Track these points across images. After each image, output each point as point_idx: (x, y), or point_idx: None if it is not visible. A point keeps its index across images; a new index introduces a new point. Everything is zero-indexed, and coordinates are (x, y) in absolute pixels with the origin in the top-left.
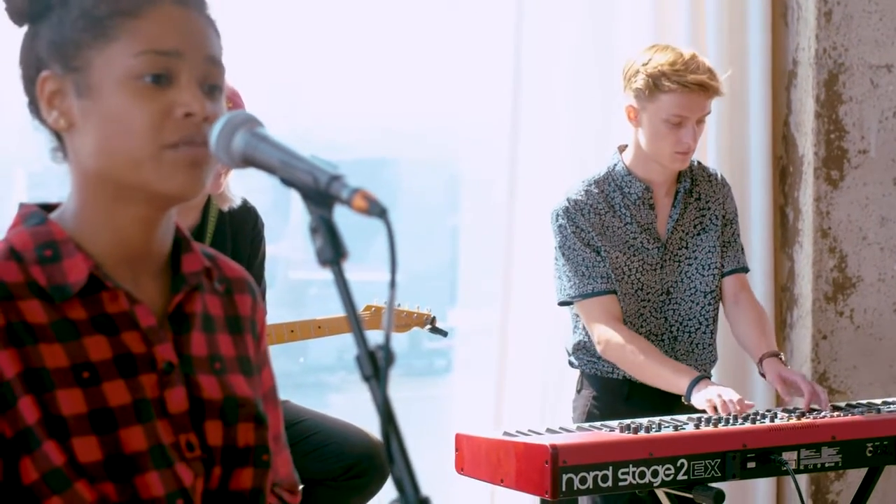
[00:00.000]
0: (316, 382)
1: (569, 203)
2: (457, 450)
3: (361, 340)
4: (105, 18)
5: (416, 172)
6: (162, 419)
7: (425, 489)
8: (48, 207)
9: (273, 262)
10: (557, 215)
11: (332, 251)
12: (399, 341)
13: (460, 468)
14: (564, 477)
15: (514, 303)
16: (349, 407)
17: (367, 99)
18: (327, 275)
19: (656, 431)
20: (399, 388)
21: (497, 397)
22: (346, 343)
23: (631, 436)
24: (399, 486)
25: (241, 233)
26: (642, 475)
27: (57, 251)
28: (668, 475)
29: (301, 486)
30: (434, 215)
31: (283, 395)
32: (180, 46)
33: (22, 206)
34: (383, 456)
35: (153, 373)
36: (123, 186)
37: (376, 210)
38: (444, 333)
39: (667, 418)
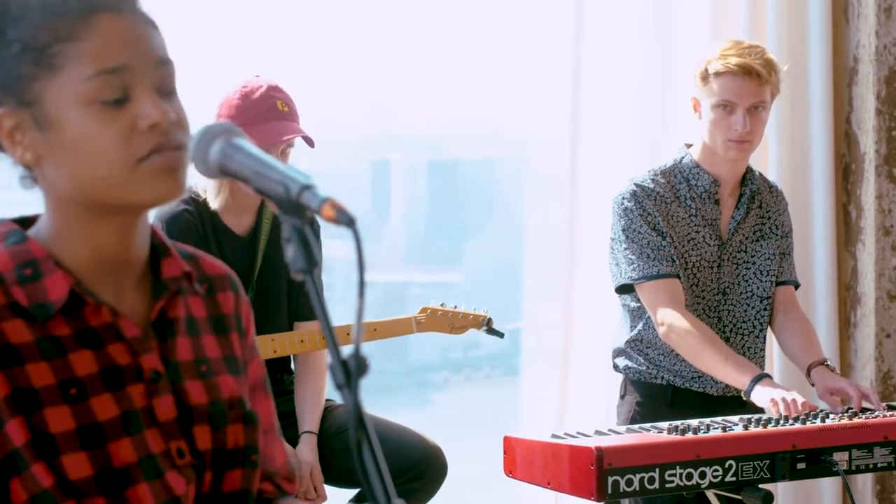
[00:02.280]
0: (419, 382)
1: (636, 187)
2: (505, 452)
3: (334, 349)
4: (46, 48)
5: (483, 171)
6: (151, 428)
7: (492, 490)
8: (25, 220)
9: (372, 263)
10: (623, 199)
11: (305, 261)
12: (465, 342)
13: (508, 471)
14: (610, 479)
15: (577, 302)
16: (451, 405)
17: (436, 100)
18: (427, 276)
19: (704, 433)
20: (469, 389)
21: (561, 398)
22: (449, 343)
23: (678, 437)
24: (371, 493)
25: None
26: (689, 477)
27: (37, 269)
28: (716, 477)
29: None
30: (501, 213)
31: (386, 395)
32: (127, 59)
33: (0, 222)
34: (440, 459)
35: (140, 383)
36: (102, 205)
37: (344, 219)
38: (500, 335)
39: (717, 419)
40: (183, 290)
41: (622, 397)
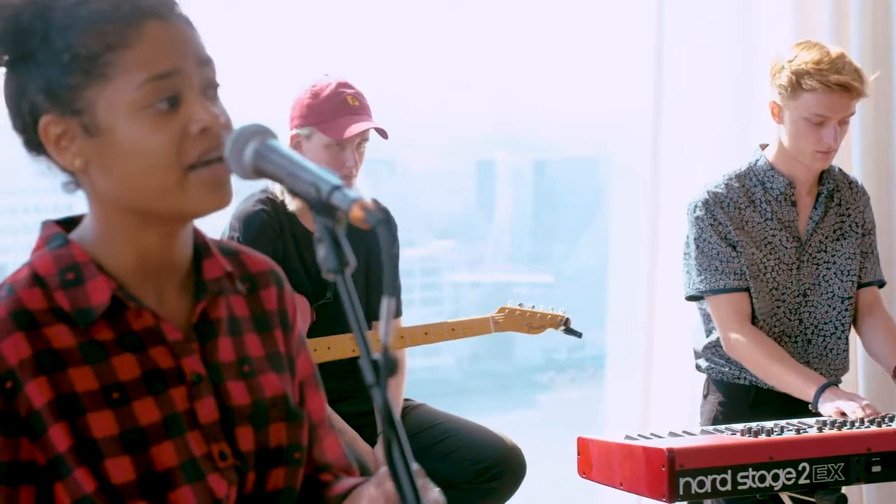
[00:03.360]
0: (525, 382)
1: (708, 195)
2: (579, 453)
3: (364, 349)
4: (96, 57)
5: (588, 172)
6: (193, 431)
7: (577, 491)
8: (70, 221)
9: (477, 260)
10: (696, 207)
11: (336, 261)
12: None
13: (582, 472)
14: (682, 480)
15: (660, 303)
16: (556, 405)
17: (542, 101)
18: (531, 276)
19: (778, 435)
20: (574, 390)
21: (644, 398)
22: (554, 343)
23: (751, 439)
24: (400, 491)
25: (373, 234)
26: (762, 479)
27: (79, 274)
28: (789, 479)
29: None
30: (586, 214)
31: (492, 395)
32: (176, 63)
33: (44, 225)
34: (518, 459)
35: (182, 386)
36: (150, 213)
37: (373, 220)
38: (578, 335)
39: (793, 421)
40: (225, 290)
41: (705, 397)
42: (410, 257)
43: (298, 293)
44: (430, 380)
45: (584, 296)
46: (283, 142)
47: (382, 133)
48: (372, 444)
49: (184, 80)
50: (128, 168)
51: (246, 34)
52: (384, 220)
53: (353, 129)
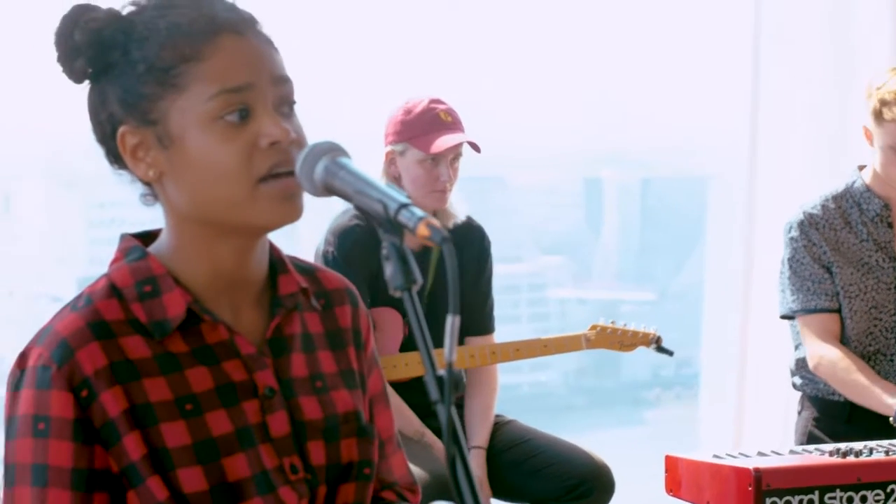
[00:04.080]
0: (632, 399)
1: (804, 217)
2: (667, 471)
3: (430, 366)
4: (171, 69)
5: (675, 189)
6: (265, 444)
7: None
8: (148, 235)
9: (584, 277)
10: (791, 227)
11: (403, 278)
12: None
13: (670, 490)
14: (768, 501)
15: (754, 319)
16: (663, 422)
17: (649, 118)
18: (636, 293)
19: (867, 456)
20: (680, 407)
21: (738, 416)
22: (662, 360)
23: (839, 460)
24: None
25: (467, 250)
26: (850, 500)
27: (156, 286)
28: (877, 501)
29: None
30: (692, 232)
31: (598, 411)
32: (249, 78)
33: (123, 238)
34: (606, 477)
35: (255, 399)
36: (221, 225)
37: (438, 237)
38: (669, 353)
39: (883, 443)
40: (300, 306)
41: (799, 413)
42: (517, 273)
43: (391, 308)
44: (534, 395)
45: (689, 314)
46: (373, 160)
47: (475, 147)
48: None
49: (256, 94)
50: (198, 179)
51: (343, 53)
52: (448, 239)
53: (446, 142)
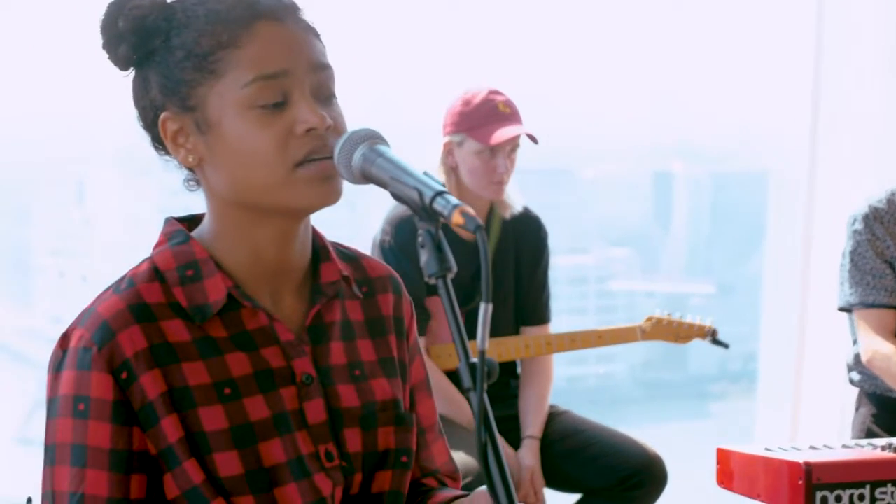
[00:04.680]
0: (697, 392)
1: (869, 210)
2: (718, 464)
3: (463, 354)
4: (209, 55)
5: (744, 183)
6: (301, 430)
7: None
8: (192, 219)
9: (652, 269)
10: (855, 220)
11: (438, 265)
12: (745, 353)
13: (721, 482)
14: (819, 494)
15: (812, 314)
16: (729, 415)
17: (720, 111)
18: (705, 286)
19: None
20: (748, 400)
21: (794, 411)
22: (728, 354)
23: (892, 455)
24: (494, 496)
25: (524, 241)
26: None
27: (198, 271)
28: None
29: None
30: (761, 226)
31: (664, 404)
32: (286, 65)
33: (167, 221)
34: (659, 468)
35: (292, 386)
36: (260, 208)
37: (472, 225)
38: (725, 346)
39: None
40: (341, 294)
41: (857, 410)
42: (585, 264)
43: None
44: (600, 387)
45: (756, 308)
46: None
47: (533, 139)
48: (515, 447)
49: (293, 81)
50: (235, 165)
51: (405, 44)
52: (482, 227)
53: (504, 134)
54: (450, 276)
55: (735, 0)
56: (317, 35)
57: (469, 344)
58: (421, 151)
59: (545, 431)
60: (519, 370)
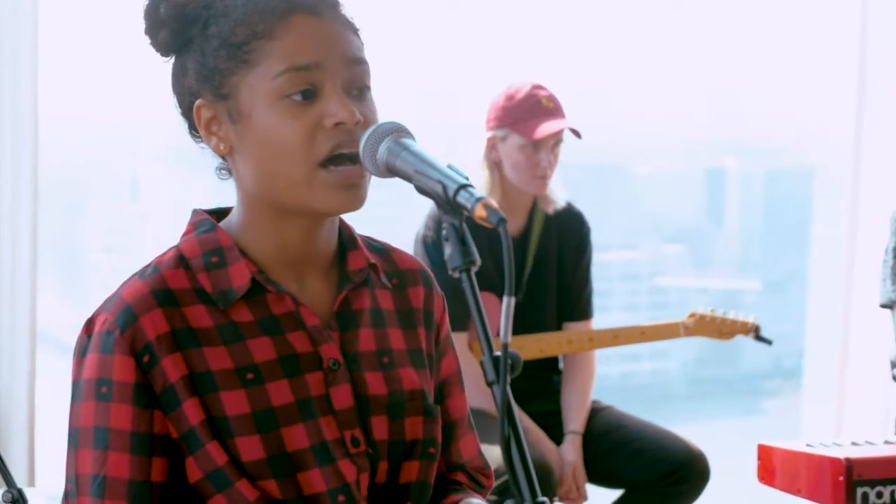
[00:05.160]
0: (751, 389)
1: None
2: (759, 460)
3: (487, 347)
4: (243, 45)
5: (799, 180)
6: (326, 416)
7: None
8: (220, 212)
9: (705, 265)
10: None
11: (461, 258)
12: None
13: (762, 478)
14: (859, 490)
15: (856, 311)
16: (782, 412)
17: (774, 107)
18: (758, 282)
19: None
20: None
21: (839, 408)
22: (781, 350)
23: None
24: (517, 488)
25: (567, 236)
26: None
27: (223, 257)
28: None
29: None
30: (804, 223)
31: (717, 400)
32: (318, 57)
33: (195, 212)
34: (702, 464)
35: (319, 371)
36: (283, 205)
37: (494, 218)
38: (768, 342)
39: None
40: (371, 283)
41: None
42: (637, 261)
43: (490, 292)
44: (653, 384)
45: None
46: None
47: (576, 133)
48: (558, 443)
49: (325, 74)
50: (262, 155)
51: (457, 40)
52: (504, 220)
53: (548, 128)
54: (474, 269)
55: (784, 3)
56: (354, 30)
57: (505, 338)
58: (471, 147)
59: (587, 427)
60: (561, 366)
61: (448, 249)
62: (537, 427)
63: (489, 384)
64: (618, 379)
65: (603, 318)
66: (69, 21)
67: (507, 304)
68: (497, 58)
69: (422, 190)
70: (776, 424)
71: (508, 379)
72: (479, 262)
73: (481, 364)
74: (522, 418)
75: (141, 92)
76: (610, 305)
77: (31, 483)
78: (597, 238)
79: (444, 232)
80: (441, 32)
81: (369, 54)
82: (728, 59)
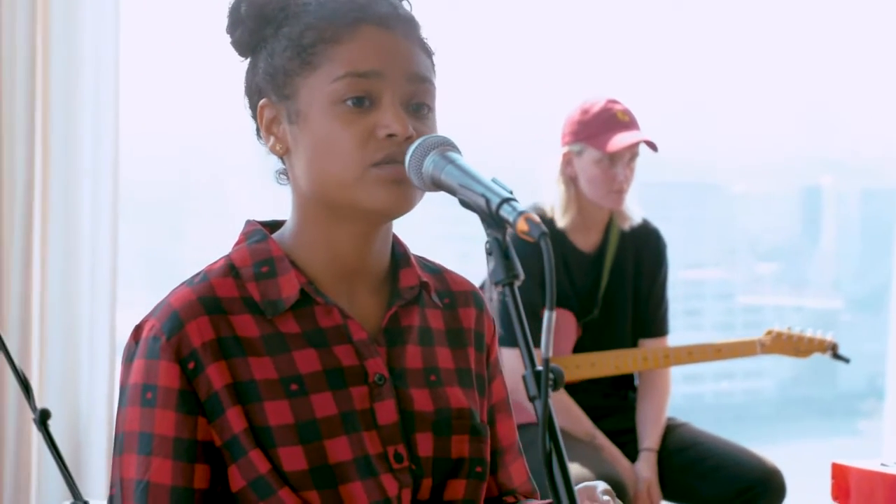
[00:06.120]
0: (846, 409)
1: None
2: (833, 479)
3: (529, 361)
4: (309, 47)
5: (877, 198)
6: (370, 430)
7: None
8: (274, 224)
9: (801, 287)
10: None
11: (504, 273)
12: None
13: (835, 497)
14: None
15: None
16: (877, 433)
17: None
18: (854, 302)
19: None
20: (876, 417)
21: None
22: (878, 370)
23: None
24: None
25: (643, 253)
26: None
27: (273, 268)
28: None
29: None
30: (887, 240)
31: (813, 420)
32: (380, 67)
33: (247, 223)
34: (777, 481)
35: (364, 385)
36: (335, 205)
37: (536, 232)
38: (846, 360)
39: None
40: (422, 301)
41: None
42: (731, 280)
43: (565, 309)
44: (747, 403)
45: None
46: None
47: (652, 146)
48: (633, 460)
49: (384, 84)
50: (315, 158)
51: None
52: (546, 234)
53: (623, 141)
54: (517, 284)
55: (882, 18)
56: (426, 51)
57: (546, 352)
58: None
59: (662, 444)
60: (637, 382)
61: (492, 263)
62: (612, 444)
63: (531, 399)
64: (712, 398)
65: (696, 336)
66: (152, 38)
67: (549, 318)
68: (590, 76)
69: (466, 204)
70: (869, 445)
71: (550, 393)
72: (522, 276)
73: (523, 378)
74: (596, 436)
75: (224, 102)
76: (703, 324)
77: None
78: (691, 256)
79: (487, 246)
80: (535, 55)
81: (463, 77)
82: (824, 79)
